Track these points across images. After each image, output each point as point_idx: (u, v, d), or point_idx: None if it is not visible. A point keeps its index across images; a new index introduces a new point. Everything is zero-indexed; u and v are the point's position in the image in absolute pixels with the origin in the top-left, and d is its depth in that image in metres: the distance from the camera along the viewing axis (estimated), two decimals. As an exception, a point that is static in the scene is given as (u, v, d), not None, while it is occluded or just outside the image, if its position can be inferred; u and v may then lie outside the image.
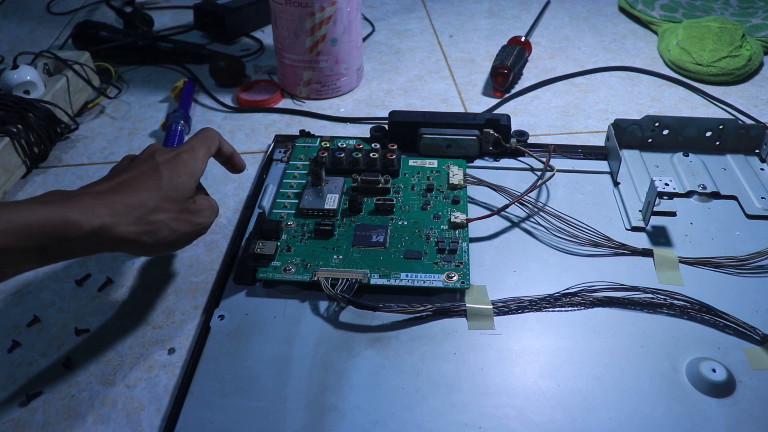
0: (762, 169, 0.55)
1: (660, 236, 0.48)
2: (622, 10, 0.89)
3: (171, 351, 0.41)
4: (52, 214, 0.32)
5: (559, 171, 0.54)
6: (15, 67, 0.60)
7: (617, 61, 0.75)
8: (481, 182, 0.52)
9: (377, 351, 0.40)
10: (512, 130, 0.56)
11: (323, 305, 0.43)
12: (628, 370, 0.39)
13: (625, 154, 0.57)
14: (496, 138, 0.55)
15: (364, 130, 0.63)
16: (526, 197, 0.50)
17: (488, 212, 0.48)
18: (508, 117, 0.56)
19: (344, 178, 0.52)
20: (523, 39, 0.74)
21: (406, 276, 0.43)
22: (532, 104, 0.67)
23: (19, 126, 0.55)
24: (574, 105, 0.67)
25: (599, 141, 0.60)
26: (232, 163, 0.46)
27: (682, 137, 0.57)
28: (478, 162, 0.56)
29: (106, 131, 0.63)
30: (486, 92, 0.70)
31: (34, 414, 0.37)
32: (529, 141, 0.57)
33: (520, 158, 0.57)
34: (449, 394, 0.37)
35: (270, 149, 0.58)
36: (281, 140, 0.59)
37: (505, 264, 0.46)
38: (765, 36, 0.77)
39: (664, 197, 0.48)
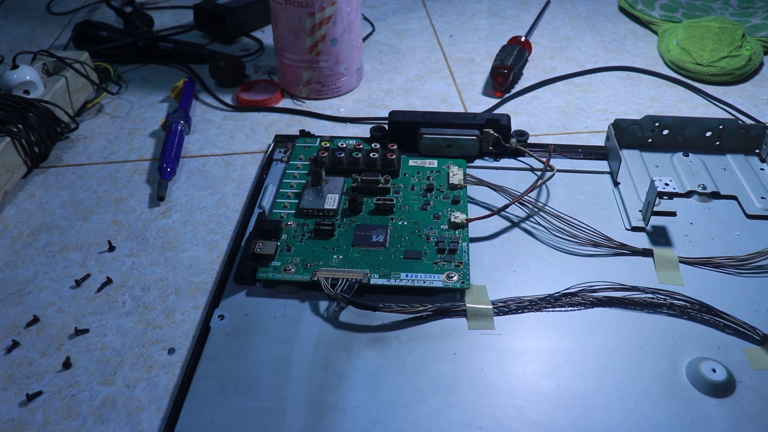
0: (762, 169, 0.55)
1: (660, 236, 0.48)
2: (622, 10, 0.89)
3: (171, 351, 0.41)
4: None
5: (559, 171, 0.54)
6: (15, 66, 0.60)
7: (617, 61, 0.76)
8: (481, 182, 0.52)
9: (377, 351, 0.40)
10: (512, 130, 0.56)
11: (323, 305, 0.43)
12: (628, 370, 0.39)
13: (625, 154, 0.57)
14: (496, 138, 0.55)
15: (364, 130, 0.63)
16: (526, 197, 0.50)
17: (488, 212, 0.48)
18: (508, 117, 0.56)
19: (344, 178, 0.52)
20: (523, 39, 0.74)
21: (406, 276, 0.43)
22: (532, 104, 0.67)
23: (20, 126, 0.55)
24: (574, 105, 0.67)
25: (599, 141, 0.60)
26: None
27: (682, 137, 0.57)
28: (478, 162, 0.56)
29: (106, 131, 0.63)
30: (486, 92, 0.70)
31: (34, 414, 0.37)
32: (529, 141, 0.57)
33: (520, 158, 0.57)
34: (449, 394, 0.37)
35: (270, 149, 0.58)
36: (281, 140, 0.59)
37: (505, 264, 0.46)
38: (765, 36, 0.77)
39: (664, 197, 0.48)
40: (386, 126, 0.57)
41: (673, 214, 0.50)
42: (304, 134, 0.59)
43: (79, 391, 0.39)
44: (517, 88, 0.70)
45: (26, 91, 0.59)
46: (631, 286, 0.43)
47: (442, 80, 0.72)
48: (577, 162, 0.56)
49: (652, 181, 0.47)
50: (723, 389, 0.37)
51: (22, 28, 0.86)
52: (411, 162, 0.54)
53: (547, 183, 0.54)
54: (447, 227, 0.47)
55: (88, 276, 0.46)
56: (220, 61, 0.70)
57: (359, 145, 0.55)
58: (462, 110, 0.67)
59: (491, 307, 0.42)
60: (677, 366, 0.39)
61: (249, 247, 0.44)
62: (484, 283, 0.44)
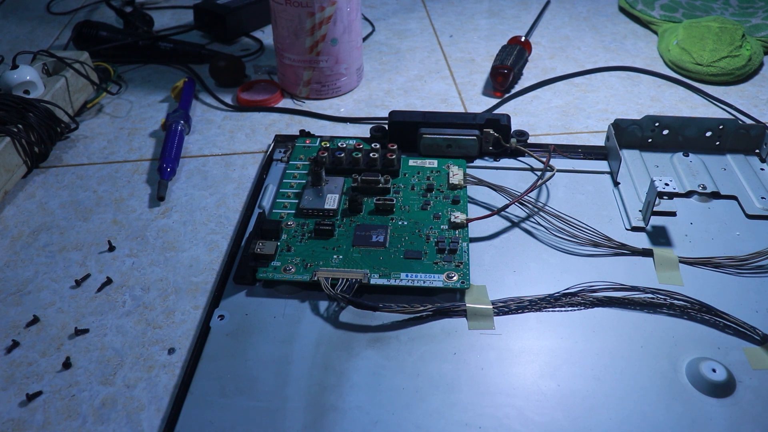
0: (762, 169, 0.55)
1: (660, 236, 0.48)
2: (622, 10, 0.89)
3: (171, 351, 0.41)
4: None
5: (559, 171, 0.54)
6: (15, 66, 0.60)
7: (617, 61, 0.76)
8: (481, 182, 0.52)
9: (377, 351, 0.40)
10: (512, 130, 0.56)
11: (323, 305, 0.43)
12: (628, 370, 0.39)
13: (625, 154, 0.57)
14: (496, 138, 0.55)
15: (364, 130, 0.63)
16: (526, 197, 0.50)
17: (488, 212, 0.48)
18: (508, 117, 0.56)
19: (344, 178, 0.52)
20: (523, 39, 0.74)
21: (406, 276, 0.43)
22: (532, 104, 0.67)
23: (20, 126, 0.55)
24: (574, 105, 0.67)
25: (599, 141, 0.60)
26: None
27: (682, 137, 0.57)
28: (478, 162, 0.56)
29: (106, 131, 0.63)
30: (486, 92, 0.70)
31: (34, 414, 0.37)
32: (529, 141, 0.57)
33: (520, 158, 0.57)
34: (449, 394, 0.37)
35: (270, 149, 0.58)
36: (281, 140, 0.59)
37: (505, 264, 0.46)
38: (765, 36, 0.77)
39: (664, 197, 0.48)
40: (386, 126, 0.57)
41: (673, 214, 0.50)
42: (304, 134, 0.59)
43: (79, 391, 0.39)
44: (517, 88, 0.70)
45: (26, 91, 0.59)
46: (631, 286, 0.43)
47: (442, 80, 0.72)
48: (577, 162, 0.56)
49: (652, 181, 0.47)
50: (723, 389, 0.37)
51: (22, 28, 0.86)
52: (411, 162, 0.54)
53: (547, 183, 0.54)
54: (447, 227, 0.47)
55: (88, 276, 0.46)
56: (220, 61, 0.70)
57: (359, 145, 0.55)
58: (462, 110, 0.67)
59: (491, 307, 0.42)
60: (677, 366, 0.39)
61: (249, 247, 0.44)
62: (484, 283, 0.44)
